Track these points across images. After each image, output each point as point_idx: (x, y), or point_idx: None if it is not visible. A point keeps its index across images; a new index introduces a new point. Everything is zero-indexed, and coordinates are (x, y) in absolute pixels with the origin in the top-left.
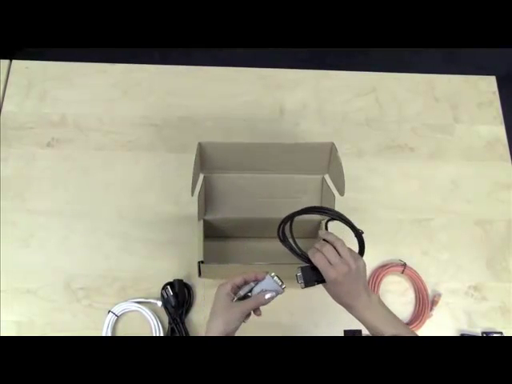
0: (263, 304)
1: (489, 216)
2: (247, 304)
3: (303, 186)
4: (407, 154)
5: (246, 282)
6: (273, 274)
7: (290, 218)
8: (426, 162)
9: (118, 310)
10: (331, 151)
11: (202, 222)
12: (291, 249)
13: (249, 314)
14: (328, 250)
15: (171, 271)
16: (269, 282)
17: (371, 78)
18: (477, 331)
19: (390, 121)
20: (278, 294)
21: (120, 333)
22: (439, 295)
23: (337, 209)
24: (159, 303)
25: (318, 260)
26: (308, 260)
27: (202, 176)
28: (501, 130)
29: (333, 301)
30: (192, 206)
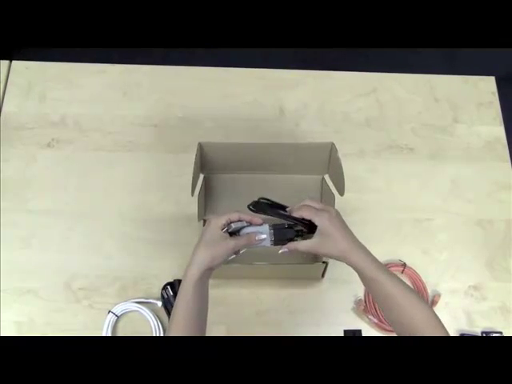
0: (252, 244)
1: (489, 216)
2: (238, 240)
3: (303, 186)
4: (407, 155)
5: (239, 221)
6: (271, 226)
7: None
8: (425, 163)
9: (118, 310)
10: (331, 151)
11: (201, 222)
12: (278, 214)
13: (236, 252)
14: (309, 201)
15: (171, 271)
16: (264, 230)
17: (371, 79)
18: (476, 331)
19: (390, 121)
20: (266, 243)
21: (120, 333)
22: (439, 295)
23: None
24: (159, 303)
25: (306, 211)
26: (293, 219)
27: (201, 176)
28: (500, 131)
29: (333, 301)
30: (192, 206)
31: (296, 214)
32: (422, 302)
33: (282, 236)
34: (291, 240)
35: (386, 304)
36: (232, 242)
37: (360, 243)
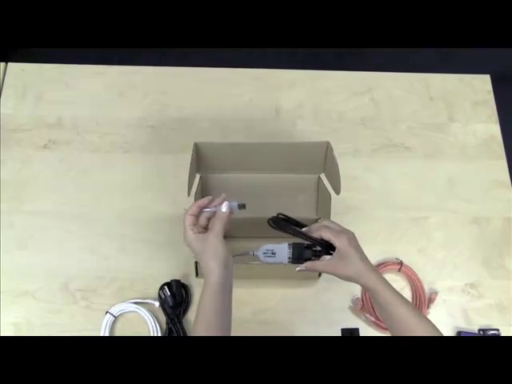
0: (224, 217)
1: (485, 214)
2: (214, 226)
3: (299, 185)
4: (403, 153)
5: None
6: (290, 245)
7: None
8: (421, 161)
9: (115, 310)
10: (327, 150)
11: None
12: (297, 233)
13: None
14: (327, 222)
15: (168, 271)
16: (283, 247)
17: (366, 78)
18: (474, 329)
19: (385, 120)
20: (284, 261)
21: (118, 333)
22: (436, 293)
23: (333, 208)
24: (157, 303)
25: (325, 232)
26: (312, 239)
27: (198, 176)
28: (496, 129)
29: (330, 300)
30: (189, 206)
31: (315, 235)
32: (437, 331)
33: (299, 255)
34: (308, 259)
35: (396, 328)
36: (212, 237)
37: (374, 266)
